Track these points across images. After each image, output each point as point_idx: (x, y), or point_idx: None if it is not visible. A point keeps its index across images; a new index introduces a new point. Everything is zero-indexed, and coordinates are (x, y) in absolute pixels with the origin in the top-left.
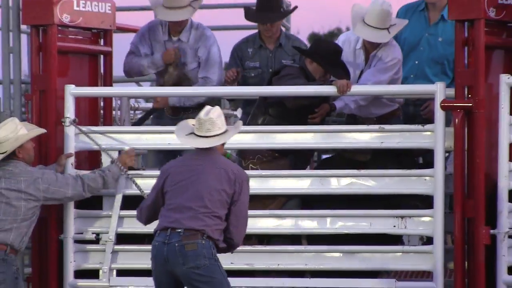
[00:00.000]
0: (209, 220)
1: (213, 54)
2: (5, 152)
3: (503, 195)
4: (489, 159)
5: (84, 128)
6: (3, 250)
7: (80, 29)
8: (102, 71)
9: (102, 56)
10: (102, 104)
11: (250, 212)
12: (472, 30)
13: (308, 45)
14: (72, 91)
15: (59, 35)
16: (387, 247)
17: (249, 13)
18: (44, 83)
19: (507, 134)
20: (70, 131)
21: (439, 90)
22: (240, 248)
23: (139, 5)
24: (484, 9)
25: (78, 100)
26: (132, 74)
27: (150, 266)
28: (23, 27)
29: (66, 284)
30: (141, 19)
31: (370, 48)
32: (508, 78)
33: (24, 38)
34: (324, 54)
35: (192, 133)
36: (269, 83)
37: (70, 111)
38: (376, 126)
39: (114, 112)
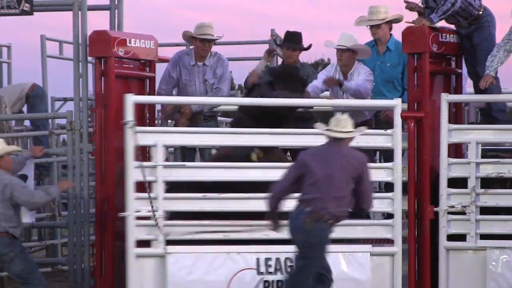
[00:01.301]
0: (332, 203)
1: (226, 73)
2: None
3: (443, 182)
4: (433, 156)
5: (139, 128)
6: (6, 236)
7: (132, 60)
8: (147, 91)
9: (147, 80)
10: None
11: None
12: (420, 60)
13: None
14: (132, 99)
15: (116, 64)
16: (359, 221)
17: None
18: (105, 100)
19: (446, 137)
20: (130, 131)
21: (398, 105)
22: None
23: (174, 42)
24: (428, 45)
25: (139, 108)
26: None
27: (197, 237)
28: (89, 58)
29: (130, 253)
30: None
31: (345, 70)
32: (447, 96)
33: (90, 66)
34: (277, 75)
35: (329, 129)
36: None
37: (130, 115)
38: None
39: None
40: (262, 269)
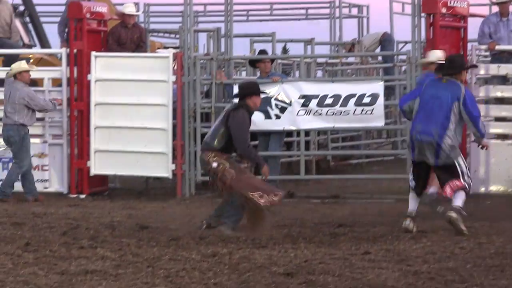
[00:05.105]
0: None
1: None
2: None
3: None
4: None
5: None
6: (15, 125)
7: (451, 15)
8: (462, 37)
9: (462, 29)
10: None
11: None
12: None
13: None
14: None
15: (440, 18)
16: None
17: None
18: (432, 43)
19: None
20: None
21: None
22: None
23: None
24: None
25: None
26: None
27: None
28: (422, 14)
29: None
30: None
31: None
32: None
33: (422, 20)
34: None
35: None
36: None
37: None
38: None
39: None
40: None
